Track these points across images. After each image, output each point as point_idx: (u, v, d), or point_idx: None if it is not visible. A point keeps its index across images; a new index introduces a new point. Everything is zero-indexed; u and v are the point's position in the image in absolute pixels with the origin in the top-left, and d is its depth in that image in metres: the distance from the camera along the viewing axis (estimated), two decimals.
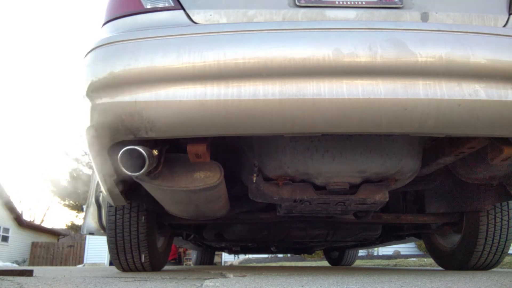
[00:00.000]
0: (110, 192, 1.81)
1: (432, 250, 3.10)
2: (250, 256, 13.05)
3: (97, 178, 1.88)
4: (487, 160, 1.81)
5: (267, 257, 13.51)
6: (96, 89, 1.46)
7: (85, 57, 1.56)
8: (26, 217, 26.54)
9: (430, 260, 6.98)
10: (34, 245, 21.51)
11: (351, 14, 1.61)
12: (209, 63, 1.38)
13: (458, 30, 1.46)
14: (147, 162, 1.54)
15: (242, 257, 12.64)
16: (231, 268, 3.70)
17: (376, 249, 14.07)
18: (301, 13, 1.60)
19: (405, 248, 14.15)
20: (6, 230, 20.67)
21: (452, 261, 2.84)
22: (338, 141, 1.83)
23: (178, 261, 9.26)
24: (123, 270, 2.54)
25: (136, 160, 1.56)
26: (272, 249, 5.01)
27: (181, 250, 9.54)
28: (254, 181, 1.99)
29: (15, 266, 8.42)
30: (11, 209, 21.17)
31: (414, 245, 14.08)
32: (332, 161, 1.84)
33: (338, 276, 1.93)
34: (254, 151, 1.94)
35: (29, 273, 2.18)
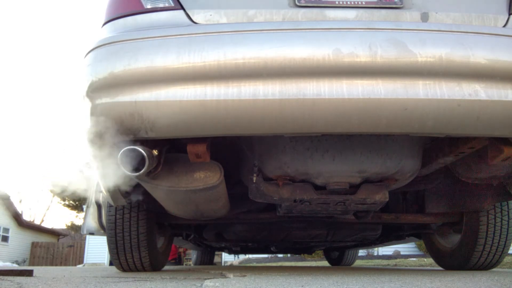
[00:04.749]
0: (110, 192, 1.82)
1: (432, 250, 3.10)
2: (250, 256, 13.04)
3: (97, 178, 1.88)
4: (487, 160, 1.81)
5: (267, 257, 13.50)
6: (96, 89, 1.46)
7: (85, 57, 1.56)
8: (26, 217, 26.54)
9: (430, 260, 6.98)
10: (34, 245, 21.49)
11: (351, 14, 1.61)
12: (209, 63, 1.38)
13: (458, 30, 1.46)
14: (147, 162, 1.54)
15: (242, 257, 12.63)
16: (231, 268, 3.70)
17: (376, 249, 14.07)
18: (301, 13, 1.60)
19: (405, 248, 14.15)
20: (6, 230, 20.65)
21: (452, 261, 2.84)
22: (338, 141, 1.83)
23: (178, 261, 9.26)
24: (123, 270, 2.54)
25: (136, 160, 1.56)
26: (272, 249, 5.00)
27: (181, 250, 9.54)
28: (254, 181, 1.99)
29: (15, 266, 8.42)
30: (11, 209, 21.15)
31: (414, 245, 14.08)
32: (332, 161, 1.84)
33: (338, 276, 1.93)
34: (254, 151, 1.94)
35: (29, 273, 2.18)
